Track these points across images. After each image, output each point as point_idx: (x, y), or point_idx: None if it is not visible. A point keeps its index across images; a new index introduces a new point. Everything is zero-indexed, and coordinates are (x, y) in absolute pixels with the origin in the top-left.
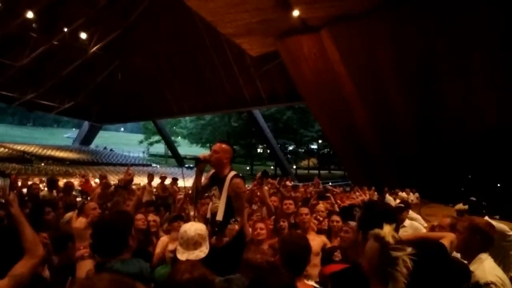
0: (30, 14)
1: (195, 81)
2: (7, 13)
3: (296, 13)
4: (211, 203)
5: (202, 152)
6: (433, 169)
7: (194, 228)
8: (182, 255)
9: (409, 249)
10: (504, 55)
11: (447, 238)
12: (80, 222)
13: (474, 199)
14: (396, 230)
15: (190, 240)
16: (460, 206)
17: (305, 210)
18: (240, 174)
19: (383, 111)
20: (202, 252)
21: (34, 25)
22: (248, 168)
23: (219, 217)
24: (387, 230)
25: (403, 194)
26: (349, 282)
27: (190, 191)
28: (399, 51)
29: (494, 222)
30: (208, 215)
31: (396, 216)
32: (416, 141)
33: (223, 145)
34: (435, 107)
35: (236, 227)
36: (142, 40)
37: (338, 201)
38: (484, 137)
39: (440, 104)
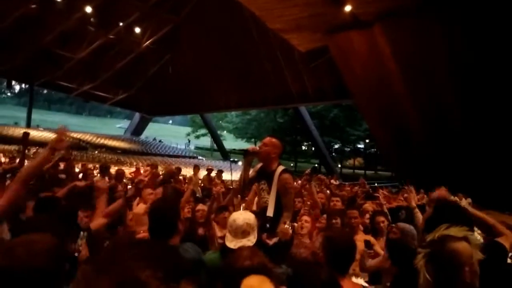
0: (88, 9)
1: (243, 76)
2: (68, 8)
3: (348, 8)
4: (256, 198)
5: (247, 146)
6: (488, 174)
7: (243, 217)
8: (231, 243)
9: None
10: None
11: (508, 239)
12: (139, 208)
13: None
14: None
15: (238, 228)
16: None
17: (354, 213)
18: (288, 169)
19: (435, 112)
20: (249, 241)
21: (92, 19)
22: (292, 165)
23: (270, 213)
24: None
25: (455, 199)
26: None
27: (237, 183)
28: (452, 49)
29: None
30: (255, 208)
31: (470, 219)
32: (470, 146)
33: (273, 140)
34: (489, 107)
35: (290, 231)
36: (192, 35)
37: (385, 202)
38: None
39: (494, 103)
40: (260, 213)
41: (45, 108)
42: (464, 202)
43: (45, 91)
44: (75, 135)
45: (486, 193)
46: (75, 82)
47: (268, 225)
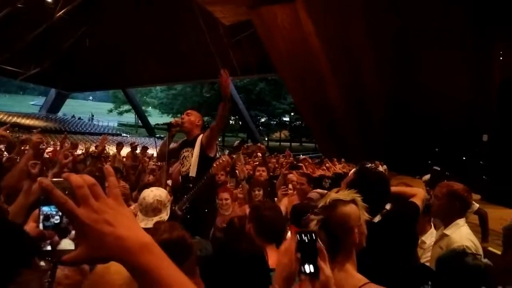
0: None
1: (167, 49)
2: None
3: None
4: (179, 167)
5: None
6: (402, 142)
7: (153, 194)
8: (141, 222)
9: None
10: (476, 30)
11: (419, 197)
12: None
13: (437, 168)
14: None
15: (149, 206)
16: (427, 177)
17: (262, 168)
18: None
19: (355, 84)
20: (161, 218)
21: None
22: (220, 139)
23: (192, 173)
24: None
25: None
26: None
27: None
28: (373, 24)
29: None
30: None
31: (387, 187)
32: (386, 115)
33: (194, 110)
34: (406, 82)
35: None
36: (111, 6)
37: (310, 171)
38: (451, 113)
39: (412, 78)
40: (183, 178)
41: None
42: (381, 169)
43: None
44: None
45: (400, 160)
46: None
47: (191, 185)
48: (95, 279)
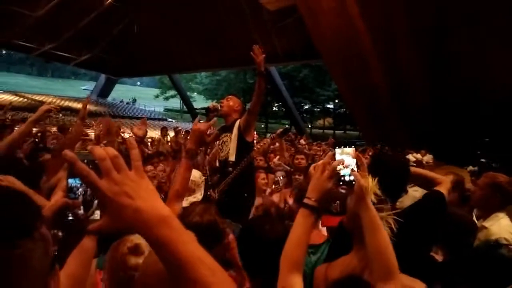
0: None
1: (211, 36)
2: None
3: None
4: (219, 152)
5: None
6: (449, 131)
7: None
8: None
9: (388, 208)
10: None
11: (444, 186)
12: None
13: (484, 160)
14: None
15: None
16: (472, 167)
17: (301, 156)
18: None
19: (398, 69)
20: (195, 198)
21: None
22: (263, 126)
23: (232, 157)
24: (370, 187)
25: (418, 155)
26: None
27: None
28: (414, 10)
29: None
30: (217, 165)
31: (405, 170)
32: (432, 103)
33: (234, 97)
34: (447, 66)
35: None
36: None
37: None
38: (502, 99)
39: (452, 62)
40: (221, 163)
41: (4, 69)
42: (427, 158)
43: (3, 52)
44: (36, 97)
45: (447, 150)
46: (35, 42)
47: (230, 169)
48: None
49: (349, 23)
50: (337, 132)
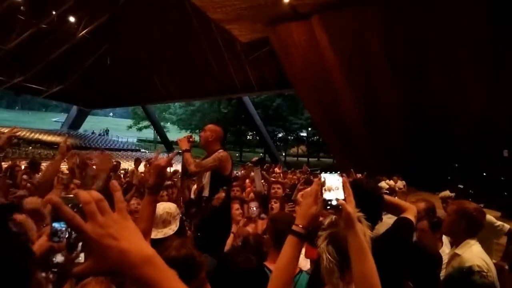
0: None
1: (185, 67)
2: None
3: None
4: (194, 186)
5: None
6: (420, 158)
7: (162, 207)
8: (152, 233)
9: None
10: (493, 48)
11: (410, 212)
12: None
13: (461, 186)
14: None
15: (158, 218)
16: (445, 193)
17: (277, 185)
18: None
19: (371, 99)
20: (171, 229)
21: (22, 8)
22: (237, 155)
23: (205, 193)
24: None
25: (390, 182)
26: None
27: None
28: (390, 40)
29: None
30: (193, 196)
31: (380, 197)
32: (404, 130)
33: (211, 125)
34: (423, 97)
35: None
36: (131, 25)
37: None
38: (471, 128)
39: (428, 94)
40: (196, 196)
41: None
42: (400, 184)
43: None
44: (5, 130)
45: (419, 175)
46: (5, 75)
47: (204, 204)
48: None
49: (320, 54)
50: (311, 159)
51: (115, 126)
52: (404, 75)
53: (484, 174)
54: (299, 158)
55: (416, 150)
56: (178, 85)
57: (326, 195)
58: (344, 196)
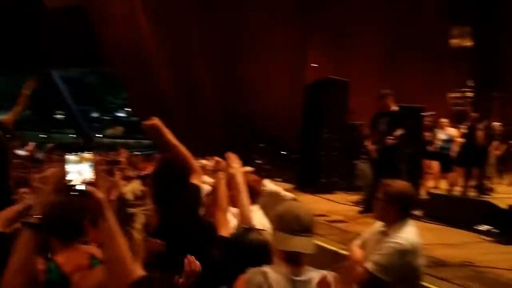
0: None
1: None
2: None
3: None
4: None
5: None
6: (233, 139)
7: None
8: None
9: (148, 205)
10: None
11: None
12: None
13: (259, 162)
14: None
15: None
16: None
17: None
18: None
19: (188, 80)
20: None
21: None
22: (45, 136)
23: None
24: (130, 187)
25: (203, 161)
26: None
27: None
28: (206, 23)
29: (272, 184)
30: None
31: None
32: (219, 113)
33: None
34: (234, 81)
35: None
36: None
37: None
38: (276, 110)
39: (240, 77)
40: None
41: None
42: (209, 164)
43: None
44: None
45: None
46: None
47: None
48: None
49: (139, 32)
50: (129, 140)
51: None
52: (217, 57)
53: (283, 152)
54: (116, 140)
55: (229, 132)
56: None
57: (72, 179)
58: (95, 179)
